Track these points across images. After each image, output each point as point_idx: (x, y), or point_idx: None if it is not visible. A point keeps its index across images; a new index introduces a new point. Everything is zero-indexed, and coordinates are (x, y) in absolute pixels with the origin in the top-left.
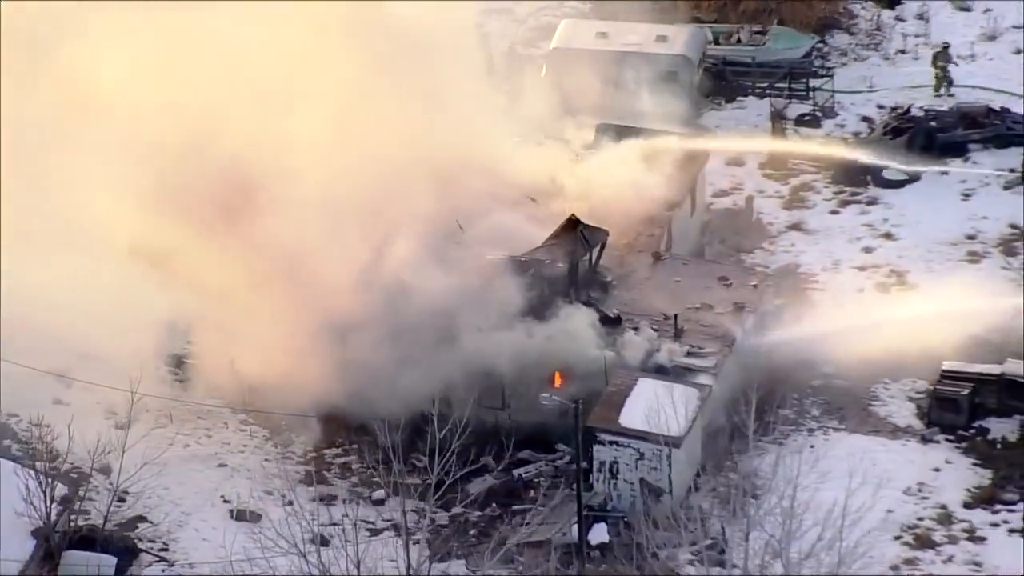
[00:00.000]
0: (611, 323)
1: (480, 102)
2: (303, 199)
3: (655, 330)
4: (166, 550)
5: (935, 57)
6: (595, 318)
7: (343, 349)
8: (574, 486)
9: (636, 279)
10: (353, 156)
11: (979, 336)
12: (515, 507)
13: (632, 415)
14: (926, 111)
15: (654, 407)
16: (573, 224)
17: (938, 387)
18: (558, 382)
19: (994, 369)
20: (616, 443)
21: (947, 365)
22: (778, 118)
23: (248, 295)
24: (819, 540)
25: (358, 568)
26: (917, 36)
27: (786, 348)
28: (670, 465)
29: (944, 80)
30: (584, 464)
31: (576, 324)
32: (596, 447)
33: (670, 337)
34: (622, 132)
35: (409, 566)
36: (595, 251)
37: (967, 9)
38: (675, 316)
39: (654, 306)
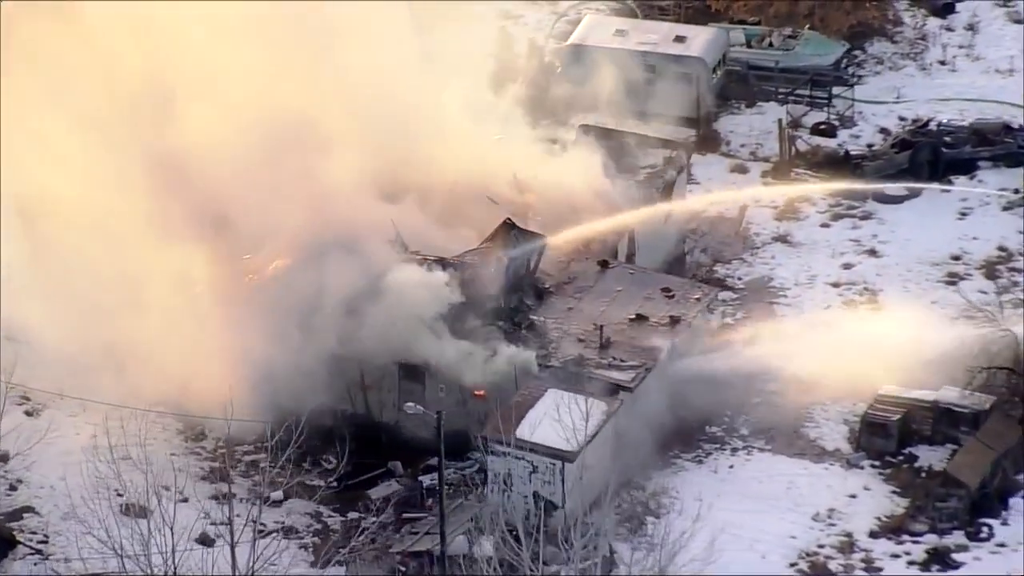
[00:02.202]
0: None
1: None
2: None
3: (581, 341)
4: (46, 542)
5: None
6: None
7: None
8: (468, 496)
9: (576, 287)
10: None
11: (927, 361)
12: (406, 515)
13: (530, 427)
14: (940, 126)
15: (555, 420)
16: (507, 227)
17: (869, 411)
18: (479, 395)
19: (928, 395)
20: (510, 454)
21: (883, 390)
22: (792, 125)
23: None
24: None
25: (175, 571)
26: (960, 47)
27: (718, 364)
28: (563, 480)
29: None
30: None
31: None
32: (491, 458)
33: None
34: (604, 135)
35: (234, 568)
36: (533, 256)
37: (1022, 22)
38: (601, 328)
39: (587, 315)
